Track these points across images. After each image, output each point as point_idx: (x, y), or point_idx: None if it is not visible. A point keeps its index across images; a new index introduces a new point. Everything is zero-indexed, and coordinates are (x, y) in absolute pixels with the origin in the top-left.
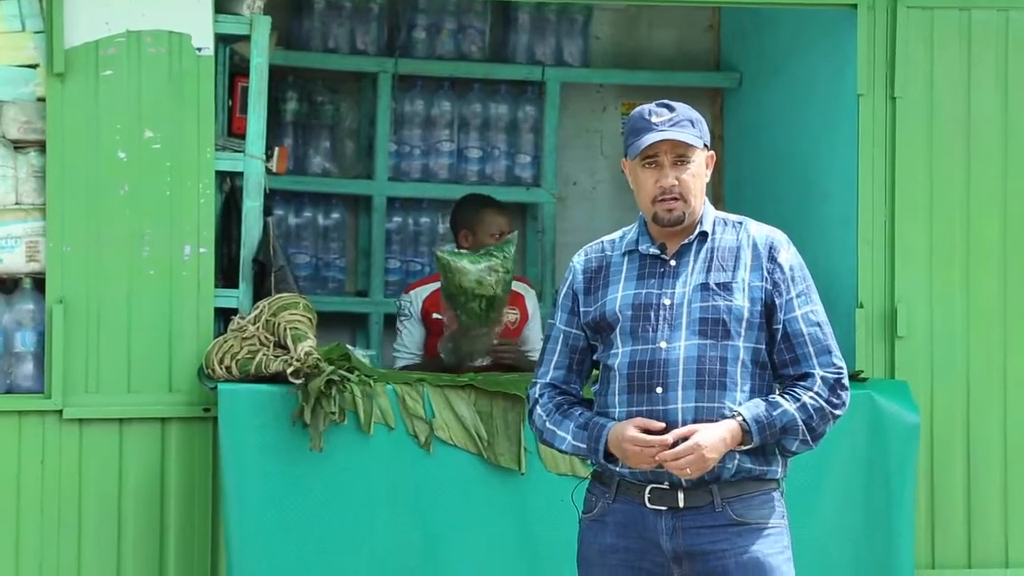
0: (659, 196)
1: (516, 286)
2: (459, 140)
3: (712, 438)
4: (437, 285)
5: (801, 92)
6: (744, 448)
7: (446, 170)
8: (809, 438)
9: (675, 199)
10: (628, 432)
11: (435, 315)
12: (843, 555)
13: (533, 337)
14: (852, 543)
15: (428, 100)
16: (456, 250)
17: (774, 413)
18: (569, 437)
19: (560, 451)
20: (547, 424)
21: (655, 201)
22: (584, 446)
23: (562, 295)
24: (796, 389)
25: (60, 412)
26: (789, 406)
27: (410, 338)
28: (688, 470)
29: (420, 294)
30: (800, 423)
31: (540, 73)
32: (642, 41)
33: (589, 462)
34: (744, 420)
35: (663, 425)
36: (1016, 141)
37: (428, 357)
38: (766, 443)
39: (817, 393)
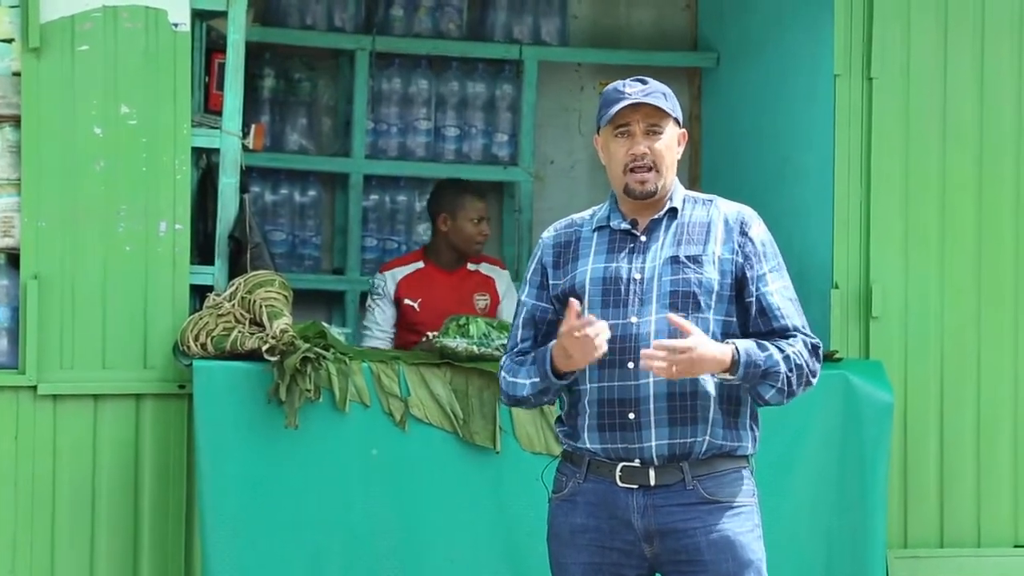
0: (631, 164)
1: (487, 269)
2: (436, 118)
3: (707, 350)
4: (412, 268)
5: (778, 72)
6: (726, 378)
7: (423, 148)
8: (786, 390)
9: (647, 169)
10: (561, 329)
11: (407, 301)
12: (815, 534)
13: (507, 317)
14: (824, 522)
15: (405, 78)
16: (452, 334)
17: (762, 354)
18: (527, 380)
19: (525, 398)
20: (508, 380)
21: (626, 171)
22: (539, 379)
23: (531, 271)
24: (781, 342)
25: (34, 388)
26: (776, 353)
27: (382, 316)
28: (674, 368)
29: (394, 276)
30: (783, 371)
31: (518, 52)
32: (620, 20)
33: (560, 441)
34: (737, 349)
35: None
36: (992, 123)
37: (398, 345)
38: (746, 381)
39: (799, 351)
